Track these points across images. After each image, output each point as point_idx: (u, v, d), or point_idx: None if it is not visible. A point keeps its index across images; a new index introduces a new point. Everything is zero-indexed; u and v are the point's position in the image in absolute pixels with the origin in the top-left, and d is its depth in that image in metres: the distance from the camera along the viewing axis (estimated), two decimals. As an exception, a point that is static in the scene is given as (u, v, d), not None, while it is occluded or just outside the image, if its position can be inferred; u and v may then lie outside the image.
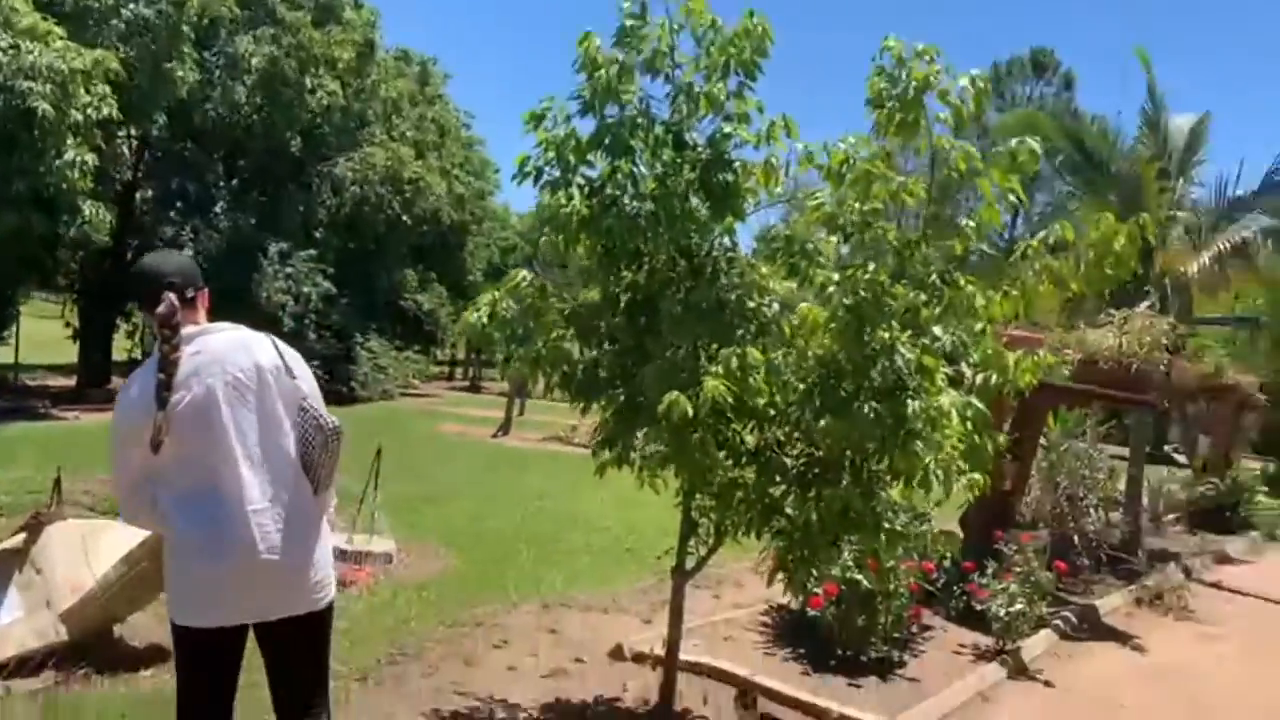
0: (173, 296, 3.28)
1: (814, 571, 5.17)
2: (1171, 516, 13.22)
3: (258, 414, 3.30)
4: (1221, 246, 12.28)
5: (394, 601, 7.37)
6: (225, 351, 3.33)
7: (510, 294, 5.32)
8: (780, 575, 5.24)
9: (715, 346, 5.09)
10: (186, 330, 3.31)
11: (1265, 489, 15.94)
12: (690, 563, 5.82)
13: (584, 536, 10.18)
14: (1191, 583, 10.03)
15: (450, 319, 31.45)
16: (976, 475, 5.01)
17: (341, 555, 8.24)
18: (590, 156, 5.10)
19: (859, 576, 6.74)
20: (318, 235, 26.36)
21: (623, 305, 5.42)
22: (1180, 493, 14.40)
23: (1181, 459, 19.66)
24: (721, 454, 5.34)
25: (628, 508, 10.88)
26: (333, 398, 21.66)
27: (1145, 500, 12.46)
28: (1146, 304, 10.30)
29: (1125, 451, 12.57)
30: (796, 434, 5.26)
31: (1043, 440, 10.46)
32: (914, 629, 7.56)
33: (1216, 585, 10.72)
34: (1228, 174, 18.75)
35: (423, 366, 32.99)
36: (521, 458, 15.95)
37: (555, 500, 12.23)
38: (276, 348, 3.44)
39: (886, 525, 5.21)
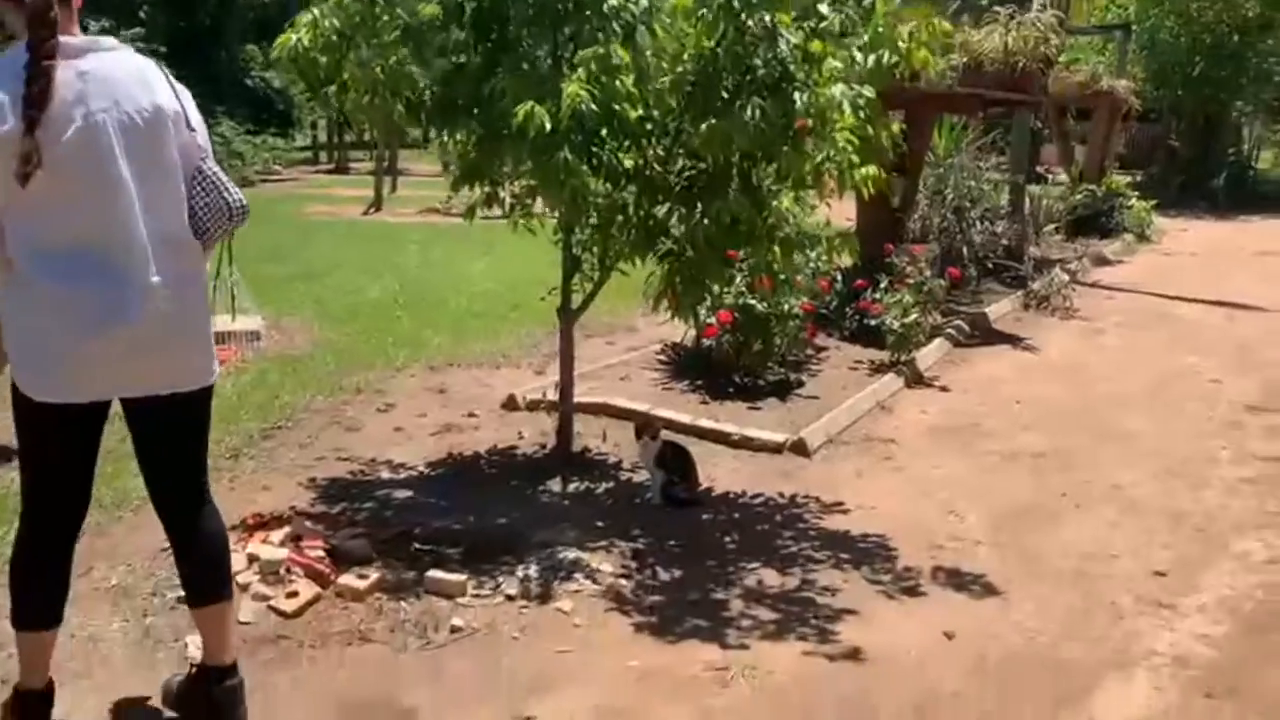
0: None
1: (705, 295, 4.83)
2: (1051, 226, 13.36)
3: (152, 166, 2.69)
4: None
5: (265, 378, 6.87)
6: (120, 80, 2.64)
7: (333, 9, 4.55)
8: (667, 302, 4.89)
9: (576, 52, 4.48)
10: (67, 39, 2.59)
11: (1136, 194, 16.25)
12: (576, 301, 5.44)
13: (467, 300, 9.71)
14: (1074, 284, 10.18)
15: (304, 95, 29.34)
16: (872, 169, 4.64)
17: (203, 338, 7.66)
18: None
19: (753, 301, 6.48)
20: (142, 15, 23.83)
21: (468, 15, 4.73)
22: (1058, 203, 14.54)
23: (1054, 178, 19.87)
24: (597, 178, 4.86)
25: (513, 268, 10.40)
26: (186, 188, 20.43)
27: (1027, 210, 12.51)
28: (1038, 3, 9.85)
29: (1002, 175, 12.47)
30: (678, 148, 4.78)
31: (928, 156, 10.22)
32: (810, 350, 7.44)
33: (1096, 285, 10.94)
34: None
35: (283, 150, 31.00)
36: (397, 232, 15.16)
37: (436, 268, 11.65)
38: (172, 86, 2.77)
39: (780, 235, 4.88)
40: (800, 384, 6.82)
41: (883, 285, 7.54)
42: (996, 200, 11.14)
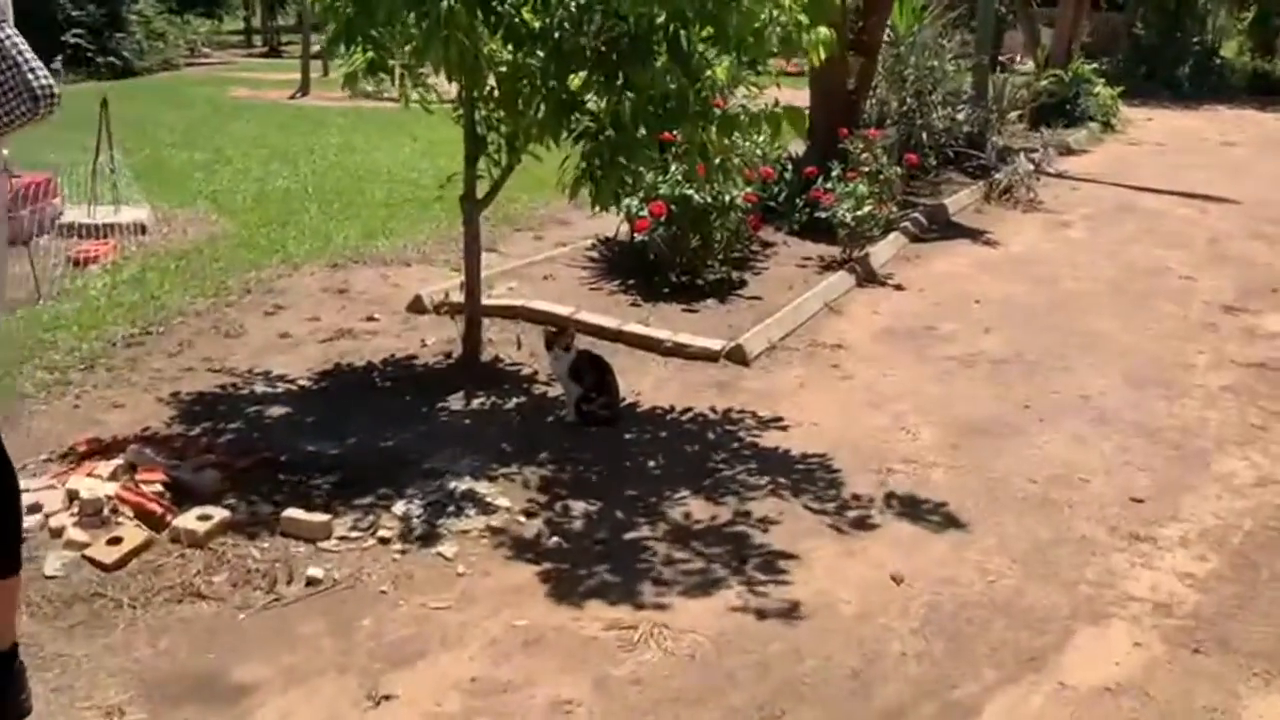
0: None
1: (626, 179, 4.14)
2: (1015, 114, 12.65)
3: None
4: None
5: (143, 276, 6.11)
6: None
7: None
8: (587, 188, 4.20)
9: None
10: None
11: (1102, 80, 15.54)
12: (482, 189, 4.73)
13: (386, 189, 8.89)
14: (1038, 175, 9.55)
15: (229, -29, 27.54)
16: (823, 31, 3.95)
17: (78, 231, 6.84)
18: None
19: (690, 191, 5.79)
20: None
21: None
22: (1022, 89, 13.80)
23: (1019, 67, 19.07)
24: (495, 39, 4.12)
25: (440, 156, 9.54)
26: (106, 70, 19.01)
27: (990, 96, 11.80)
28: None
29: (965, 56, 11.71)
30: (595, 5, 4.01)
31: (887, 35, 9.42)
32: (754, 246, 6.80)
33: (1061, 175, 10.33)
34: None
35: (210, 30, 29.25)
36: (321, 116, 14.11)
37: (357, 154, 10.75)
38: None
39: (716, 112, 4.19)
40: (742, 284, 6.18)
41: (835, 174, 6.86)
42: (959, 83, 10.40)
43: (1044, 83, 13.77)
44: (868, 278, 6.55)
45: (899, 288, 6.48)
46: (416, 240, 7.20)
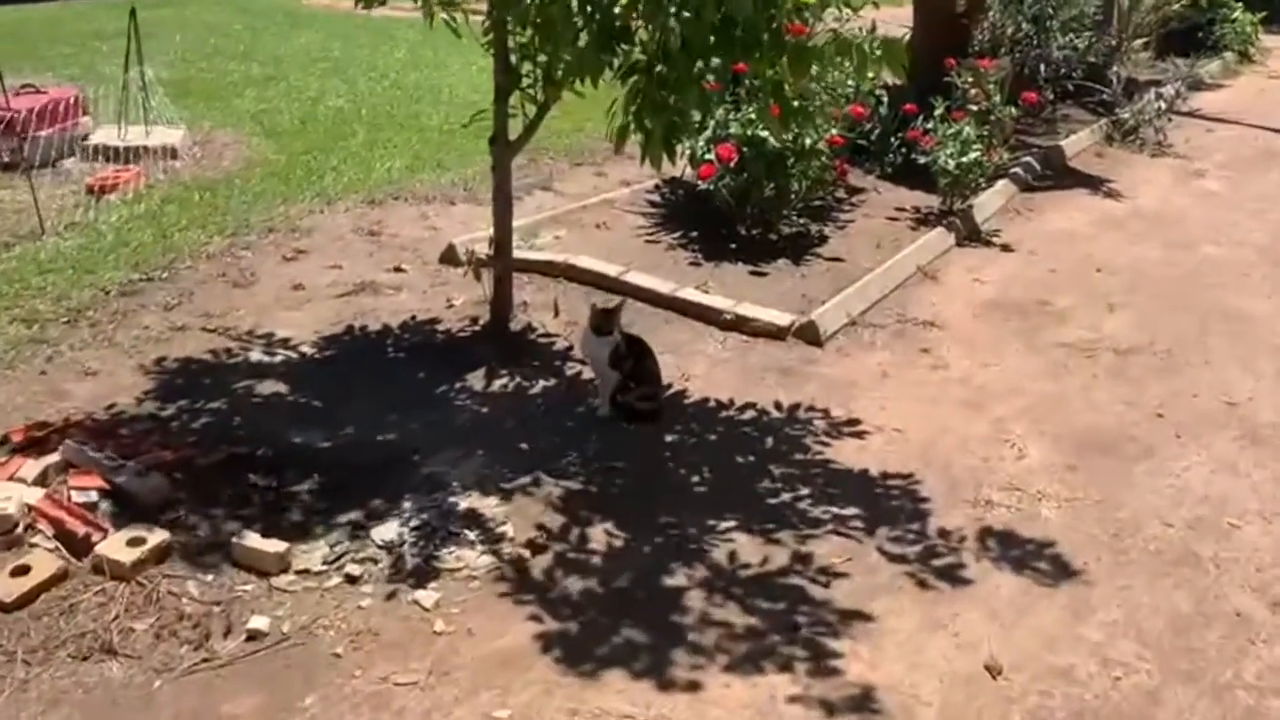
0: None
1: (681, 125, 3.38)
2: (1140, 42, 11.35)
3: None
4: None
5: (161, 209, 5.56)
6: None
7: None
8: (635, 135, 3.45)
9: None
10: None
11: (1240, 5, 13.96)
12: (515, 129, 4.03)
13: (443, 113, 8.19)
14: (1169, 113, 8.42)
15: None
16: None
17: (104, 154, 6.33)
18: None
19: (764, 133, 4.99)
20: None
21: None
22: (1150, 14, 12.40)
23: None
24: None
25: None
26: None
27: (1114, 23, 10.55)
28: None
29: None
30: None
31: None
32: (838, 194, 5.97)
33: (1193, 114, 9.14)
34: None
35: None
36: (390, 28, 13.40)
37: (420, 72, 10.04)
38: None
39: (793, 40, 3.40)
40: (822, 239, 5.39)
41: (938, 112, 5.96)
42: (1082, 6, 9.23)
43: (1176, 6, 12.35)
44: (970, 235, 5.69)
45: (1006, 249, 5.61)
46: (465, 175, 6.53)
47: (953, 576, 2.82)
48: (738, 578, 2.77)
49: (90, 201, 5.66)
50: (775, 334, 4.26)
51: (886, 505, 3.14)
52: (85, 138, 6.55)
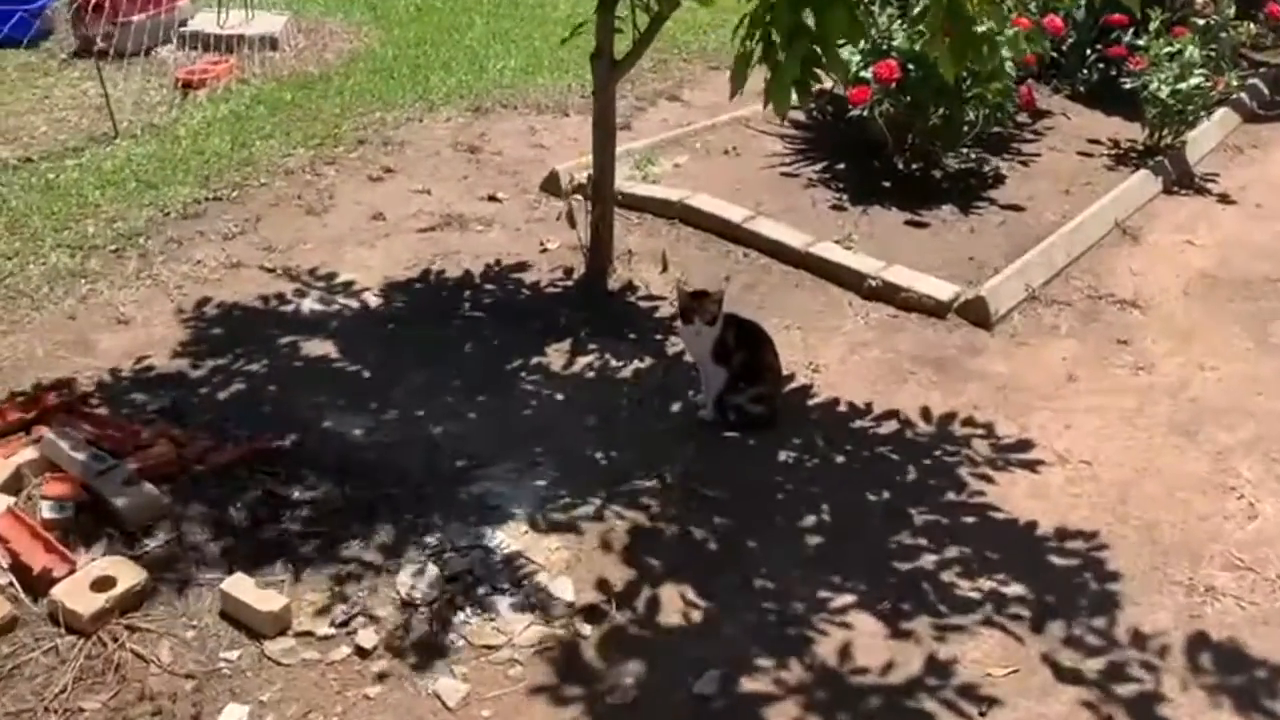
0: None
1: (817, 54, 2.56)
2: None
3: None
4: None
5: (248, 112, 5.04)
6: None
7: None
8: (755, 62, 2.66)
9: None
10: None
11: None
12: (621, 48, 3.28)
13: (573, 1, 7.37)
14: None
15: None
16: None
17: (203, 43, 5.83)
18: None
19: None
20: None
21: None
22: None
23: None
24: None
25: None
26: None
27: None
28: None
29: None
30: None
31: None
32: (1021, 119, 4.99)
33: None
34: None
35: None
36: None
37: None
38: None
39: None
40: (998, 180, 4.47)
41: (1154, 24, 4.84)
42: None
43: None
44: (1180, 181, 4.66)
45: (1225, 199, 4.57)
46: (586, 78, 5.73)
47: (1148, 715, 2.07)
48: (848, 688, 2.09)
49: (176, 99, 5.19)
50: (933, 310, 3.45)
51: (1064, 583, 2.38)
52: (184, 23, 6.06)
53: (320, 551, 2.32)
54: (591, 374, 3.10)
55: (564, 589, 2.26)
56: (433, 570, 2.27)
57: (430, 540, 2.37)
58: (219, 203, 4.10)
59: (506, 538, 2.39)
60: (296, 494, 2.48)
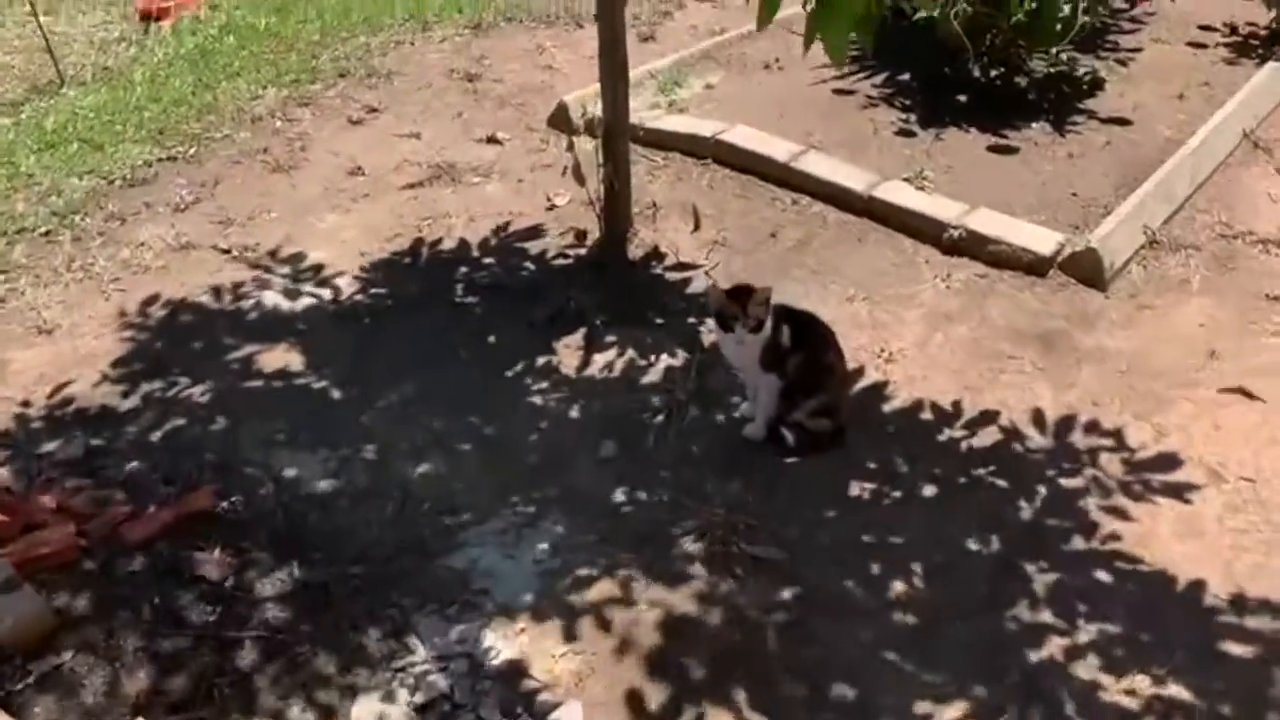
0: None
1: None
2: None
3: None
4: None
5: (216, 44, 4.39)
6: None
7: None
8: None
9: None
10: None
11: None
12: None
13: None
14: None
15: None
16: None
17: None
18: None
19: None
20: None
21: None
22: None
23: None
24: None
25: None
26: None
27: None
28: None
29: None
30: None
31: None
32: (1117, 4, 4.20)
33: None
34: None
35: None
36: None
37: None
38: None
39: None
40: (1094, 85, 3.71)
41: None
42: None
43: None
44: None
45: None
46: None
47: None
48: None
49: (137, 31, 4.56)
50: (1031, 266, 2.79)
51: (1236, 677, 1.78)
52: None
53: (256, 665, 1.78)
54: (611, 377, 2.50)
55: (574, 717, 1.70)
56: (402, 696, 1.73)
57: (399, 642, 1.82)
58: (172, 163, 3.50)
59: (498, 640, 1.83)
60: (229, 582, 1.93)
